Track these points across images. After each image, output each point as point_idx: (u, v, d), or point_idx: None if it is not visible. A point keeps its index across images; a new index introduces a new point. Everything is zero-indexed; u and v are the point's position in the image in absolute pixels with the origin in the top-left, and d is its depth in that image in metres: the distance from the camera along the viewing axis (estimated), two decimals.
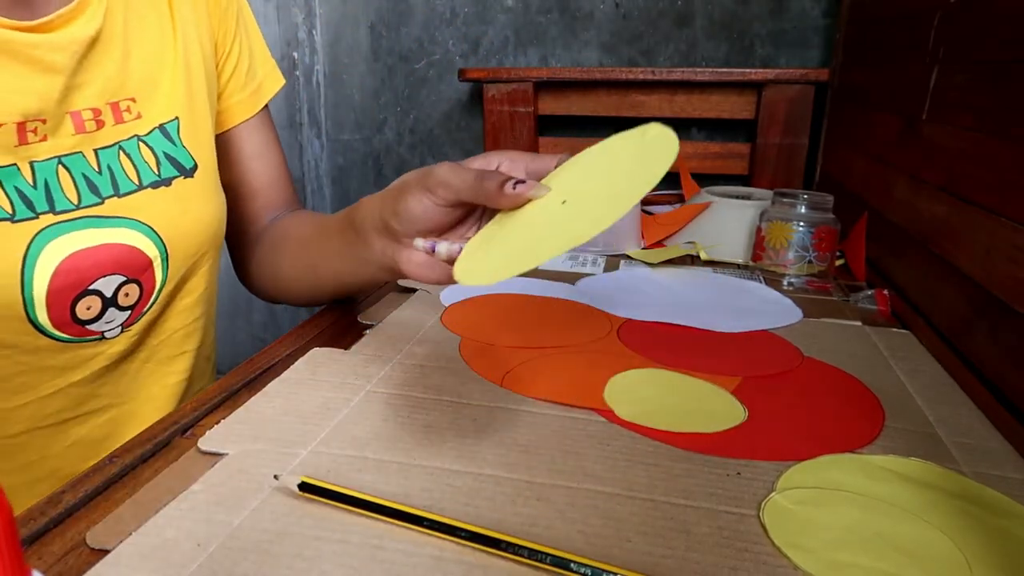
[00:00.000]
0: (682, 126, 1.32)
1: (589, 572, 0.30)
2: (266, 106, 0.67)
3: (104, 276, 0.51)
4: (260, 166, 0.67)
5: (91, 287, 0.50)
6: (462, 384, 0.49)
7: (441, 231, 0.45)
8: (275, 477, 0.37)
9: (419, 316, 0.62)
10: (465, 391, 0.48)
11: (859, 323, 0.64)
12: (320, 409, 0.45)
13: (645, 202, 1.03)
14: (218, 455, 0.40)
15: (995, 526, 0.35)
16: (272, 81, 0.67)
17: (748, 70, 1.17)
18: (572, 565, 0.30)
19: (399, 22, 1.40)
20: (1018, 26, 0.52)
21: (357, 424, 0.43)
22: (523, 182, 0.39)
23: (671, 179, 1.21)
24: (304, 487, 0.35)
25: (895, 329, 0.63)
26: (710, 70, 1.17)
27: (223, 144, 0.64)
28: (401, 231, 0.44)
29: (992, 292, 0.52)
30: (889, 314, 0.67)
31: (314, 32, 1.45)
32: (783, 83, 1.15)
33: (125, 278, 0.52)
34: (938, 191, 0.64)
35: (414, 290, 0.69)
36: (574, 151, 0.42)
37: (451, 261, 0.42)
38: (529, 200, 0.39)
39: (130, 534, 0.33)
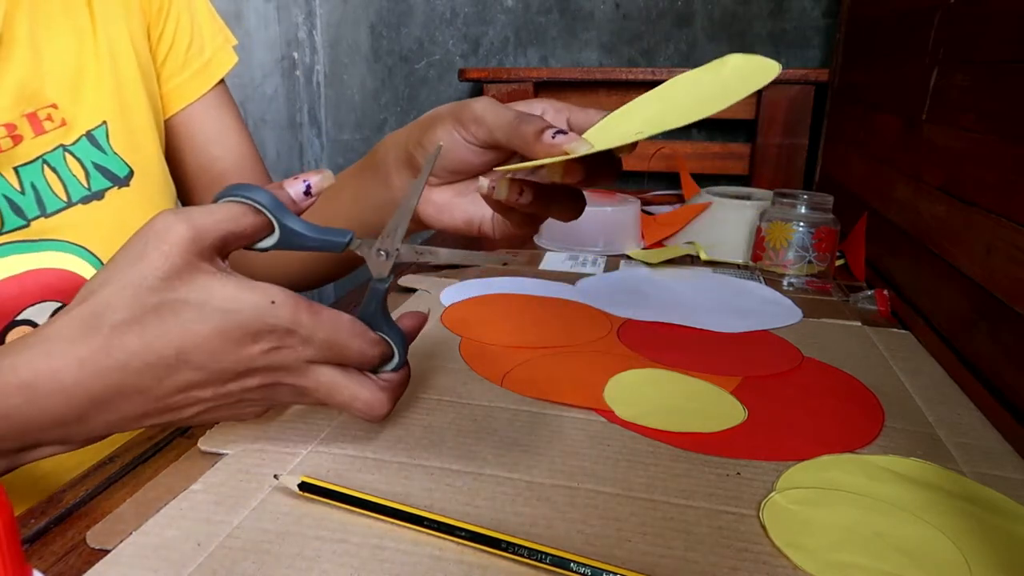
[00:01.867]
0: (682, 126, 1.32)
1: (589, 572, 0.30)
2: (223, 86, 0.61)
3: (33, 304, 0.46)
4: (218, 151, 0.61)
5: (19, 317, 0.46)
6: (462, 384, 0.49)
7: (467, 175, 0.40)
8: (275, 477, 0.37)
9: None
10: (465, 391, 0.48)
11: (859, 323, 0.64)
12: (320, 409, 0.45)
13: (645, 202, 1.03)
14: (218, 455, 0.40)
15: (995, 526, 0.35)
16: (222, 59, 0.61)
17: None
18: (572, 565, 0.30)
19: (399, 22, 1.40)
20: (1018, 26, 0.52)
21: (357, 424, 0.43)
22: (564, 132, 0.35)
23: (671, 179, 1.22)
24: (304, 487, 0.35)
25: (895, 329, 0.63)
26: None
27: (172, 131, 0.59)
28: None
29: (992, 292, 0.52)
30: (889, 314, 0.67)
31: (314, 32, 1.45)
32: (783, 83, 1.15)
33: (61, 304, 0.47)
34: (938, 191, 0.64)
35: (414, 290, 0.69)
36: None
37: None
38: (566, 153, 0.35)
39: (130, 534, 0.33)
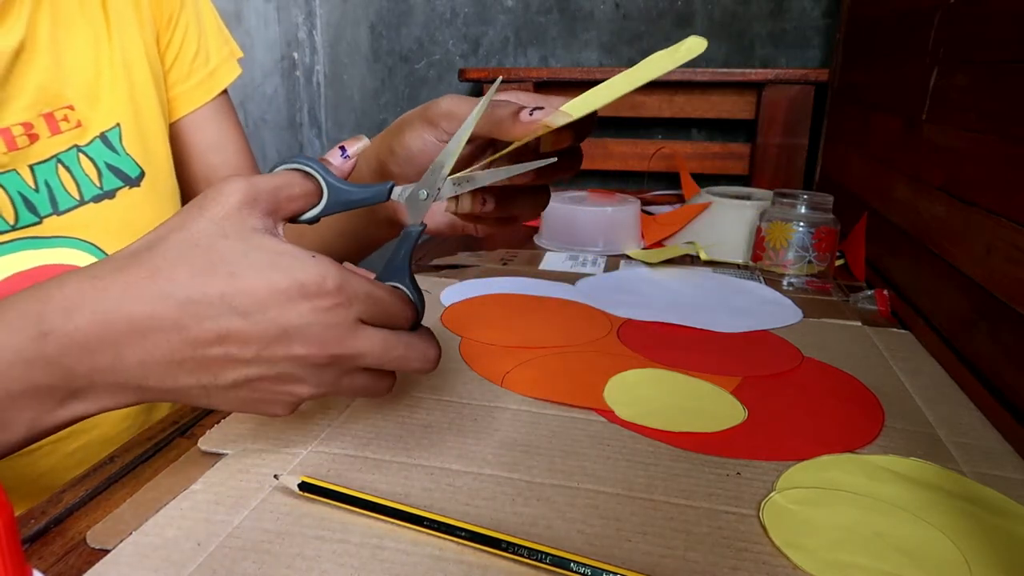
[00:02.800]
0: (682, 126, 1.32)
1: (589, 572, 0.30)
2: (225, 96, 0.63)
3: None
4: (217, 159, 0.62)
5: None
6: (462, 384, 0.49)
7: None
8: (275, 477, 0.37)
9: None
10: (465, 391, 0.48)
11: (859, 323, 0.64)
12: (320, 409, 0.45)
13: (645, 202, 1.03)
14: (218, 455, 0.40)
15: (995, 526, 0.35)
16: (225, 71, 0.62)
17: (748, 70, 1.17)
18: (572, 565, 0.30)
19: (399, 22, 1.40)
20: (1018, 26, 0.52)
21: (357, 424, 0.43)
22: (540, 108, 0.35)
23: (671, 179, 1.22)
24: (304, 487, 0.35)
25: (895, 329, 0.63)
26: (710, 70, 1.17)
27: (173, 136, 0.60)
28: (398, 172, 0.41)
29: (992, 292, 0.52)
30: (889, 314, 0.67)
31: (314, 32, 1.45)
32: (783, 83, 1.15)
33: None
34: (938, 191, 0.64)
35: None
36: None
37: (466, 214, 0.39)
38: (546, 128, 0.35)
39: (130, 534, 0.33)
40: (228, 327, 0.30)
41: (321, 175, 0.35)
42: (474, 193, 0.38)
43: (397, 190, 0.36)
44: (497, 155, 0.38)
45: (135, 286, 0.30)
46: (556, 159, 0.35)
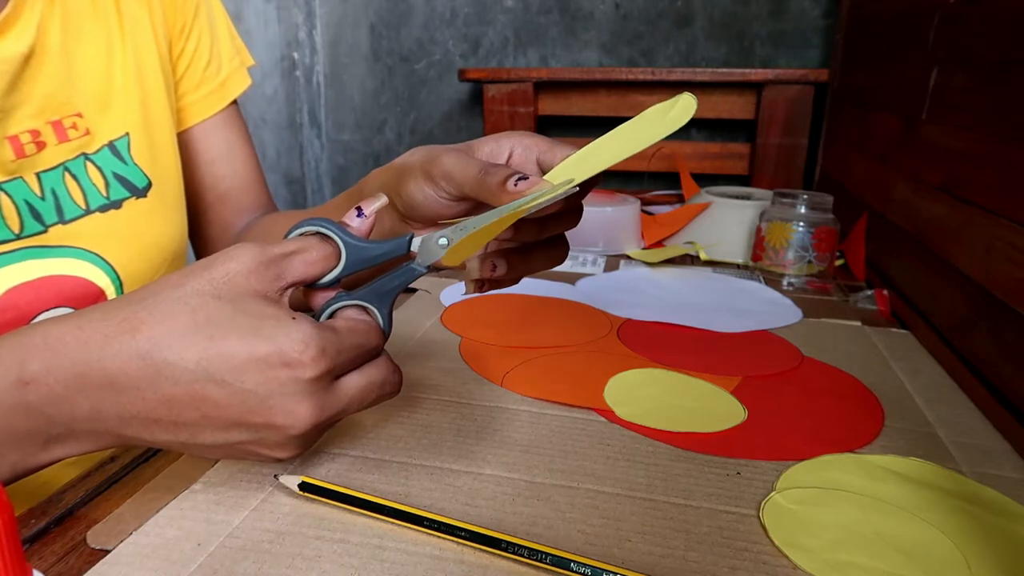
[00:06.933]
0: (682, 126, 1.32)
1: (589, 572, 0.30)
2: (235, 106, 0.63)
3: (48, 310, 0.47)
4: (225, 169, 0.62)
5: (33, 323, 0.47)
6: (462, 384, 0.49)
7: (449, 220, 0.40)
8: (275, 477, 0.37)
9: (419, 316, 0.62)
10: (465, 391, 0.48)
11: (859, 323, 0.64)
12: None
13: (645, 202, 1.03)
14: None
15: (994, 526, 0.35)
16: (236, 81, 0.62)
17: (748, 70, 1.17)
18: (572, 565, 0.30)
19: (399, 22, 1.40)
20: (1018, 26, 0.52)
21: (357, 424, 0.43)
22: (526, 178, 0.35)
23: (671, 179, 1.22)
24: (304, 487, 0.35)
25: (895, 329, 0.63)
26: (710, 70, 1.17)
27: (182, 146, 0.60)
28: (405, 214, 0.41)
29: (992, 292, 0.52)
30: (889, 314, 0.67)
31: (314, 32, 1.45)
32: (783, 83, 1.15)
33: (74, 311, 0.49)
34: (938, 191, 0.64)
35: (414, 290, 0.69)
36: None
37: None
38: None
39: (130, 534, 0.33)
40: (203, 392, 0.30)
41: (339, 236, 0.35)
42: (483, 258, 0.37)
43: (416, 241, 0.36)
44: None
45: (115, 340, 0.30)
46: (577, 187, 0.34)
